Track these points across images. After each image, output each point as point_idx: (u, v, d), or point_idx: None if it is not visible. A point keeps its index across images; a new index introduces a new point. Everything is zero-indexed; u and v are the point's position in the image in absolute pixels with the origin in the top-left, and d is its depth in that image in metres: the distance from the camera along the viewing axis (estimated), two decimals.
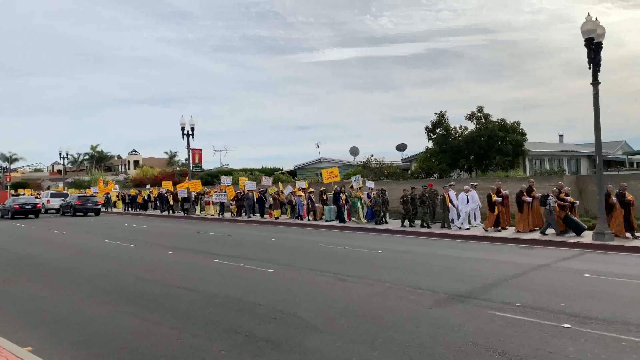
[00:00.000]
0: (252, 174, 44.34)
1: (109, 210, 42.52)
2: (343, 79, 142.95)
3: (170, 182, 38.58)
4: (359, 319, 7.23)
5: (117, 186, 47.65)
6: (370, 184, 23.47)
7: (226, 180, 32.06)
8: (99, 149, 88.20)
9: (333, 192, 23.68)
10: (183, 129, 33.29)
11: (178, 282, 10.41)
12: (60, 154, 53.47)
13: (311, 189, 26.07)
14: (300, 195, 25.51)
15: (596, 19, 14.57)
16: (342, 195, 23.00)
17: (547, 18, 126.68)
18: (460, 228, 18.47)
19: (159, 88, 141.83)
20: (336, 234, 19.58)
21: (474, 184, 19.88)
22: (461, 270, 10.91)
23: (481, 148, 27.83)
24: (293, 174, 46.08)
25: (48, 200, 41.83)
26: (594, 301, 7.96)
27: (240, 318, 7.47)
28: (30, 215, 35.30)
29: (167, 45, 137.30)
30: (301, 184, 27.45)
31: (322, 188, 25.39)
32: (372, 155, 35.91)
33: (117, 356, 5.98)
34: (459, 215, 18.99)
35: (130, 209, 40.19)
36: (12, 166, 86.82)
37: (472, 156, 28.55)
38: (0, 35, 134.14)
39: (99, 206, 38.02)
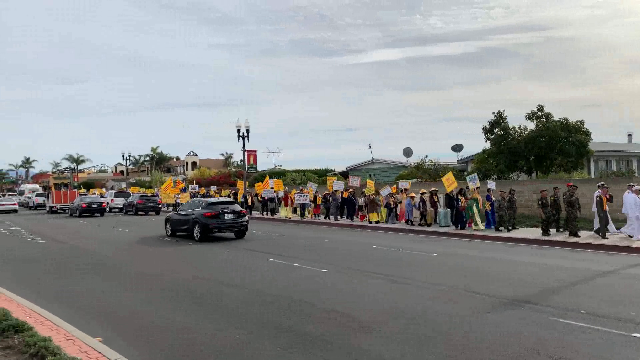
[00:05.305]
0: (304, 174, 44.60)
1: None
2: (391, 80, 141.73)
3: (243, 183, 37.00)
4: (411, 321, 7.10)
5: (196, 186, 45.71)
6: (491, 185, 20.77)
7: (311, 183, 30.89)
8: (158, 150, 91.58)
9: (446, 193, 21.44)
10: (239, 131, 33.91)
11: (232, 279, 10.61)
12: (122, 156, 56.21)
13: (423, 190, 22.50)
14: (412, 197, 22.40)
15: None
16: (461, 198, 19.96)
17: (607, 12, 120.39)
18: (631, 237, 15.46)
19: (207, 92, 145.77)
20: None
21: (635, 184, 16.57)
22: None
23: (542, 149, 26.70)
24: (345, 175, 45.96)
25: (112, 200, 43.91)
26: None
27: (292, 316, 7.51)
28: (96, 214, 37.15)
29: (215, 50, 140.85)
30: (404, 184, 25.06)
31: (433, 188, 22.89)
32: (427, 156, 35.23)
33: (172, 349, 6.15)
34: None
35: None
36: (79, 167, 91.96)
37: (532, 157, 27.44)
38: (58, 44, 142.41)
39: (160, 205, 39.42)
